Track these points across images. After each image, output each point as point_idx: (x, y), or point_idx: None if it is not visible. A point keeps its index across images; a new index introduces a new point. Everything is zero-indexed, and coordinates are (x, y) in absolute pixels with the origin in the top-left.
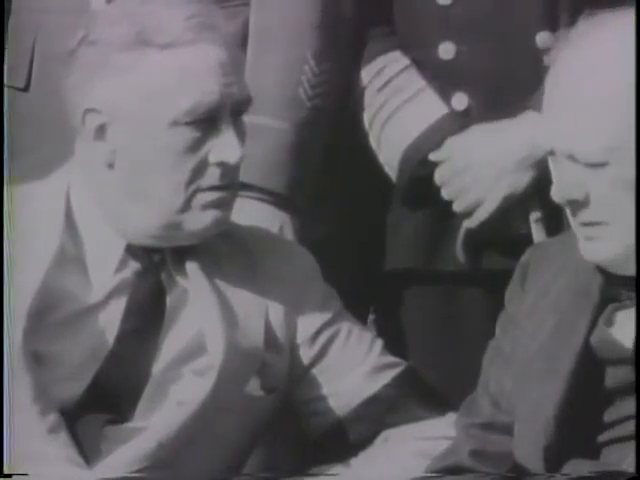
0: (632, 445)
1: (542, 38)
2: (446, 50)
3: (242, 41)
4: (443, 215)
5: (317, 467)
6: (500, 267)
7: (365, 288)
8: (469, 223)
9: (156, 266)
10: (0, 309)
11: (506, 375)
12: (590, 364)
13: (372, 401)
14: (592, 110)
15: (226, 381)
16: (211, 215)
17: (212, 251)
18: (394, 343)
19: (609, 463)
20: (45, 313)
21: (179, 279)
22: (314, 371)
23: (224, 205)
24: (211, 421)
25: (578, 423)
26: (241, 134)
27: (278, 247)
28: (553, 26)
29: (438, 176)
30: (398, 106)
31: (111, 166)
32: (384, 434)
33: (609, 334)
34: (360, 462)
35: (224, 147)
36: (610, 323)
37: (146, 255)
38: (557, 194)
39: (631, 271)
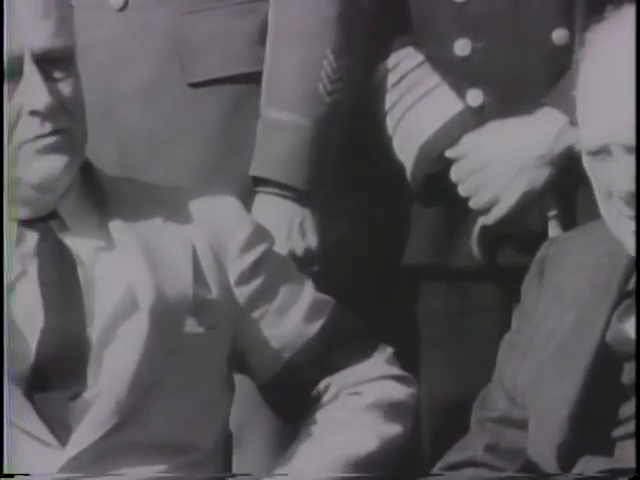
0: None
1: (558, 35)
2: (462, 46)
3: (261, 37)
4: (458, 212)
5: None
6: (515, 263)
7: (382, 284)
8: (485, 220)
9: (53, 231)
10: None
11: (521, 370)
12: (607, 360)
13: (313, 342)
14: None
15: (160, 324)
16: (47, 161)
17: (127, 202)
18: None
19: (622, 458)
20: None
21: (88, 240)
22: (256, 311)
23: (63, 148)
24: (160, 366)
25: (593, 420)
26: (51, 80)
27: (196, 194)
28: (569, 23)
29: (455, 173)
30: (413, 102)
31: None
32: (326, 380)
33: (623, 330)
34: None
35: (30, 95)
36: (623, 320)
37: (42, 222)
38: (624, 187)
39: None
